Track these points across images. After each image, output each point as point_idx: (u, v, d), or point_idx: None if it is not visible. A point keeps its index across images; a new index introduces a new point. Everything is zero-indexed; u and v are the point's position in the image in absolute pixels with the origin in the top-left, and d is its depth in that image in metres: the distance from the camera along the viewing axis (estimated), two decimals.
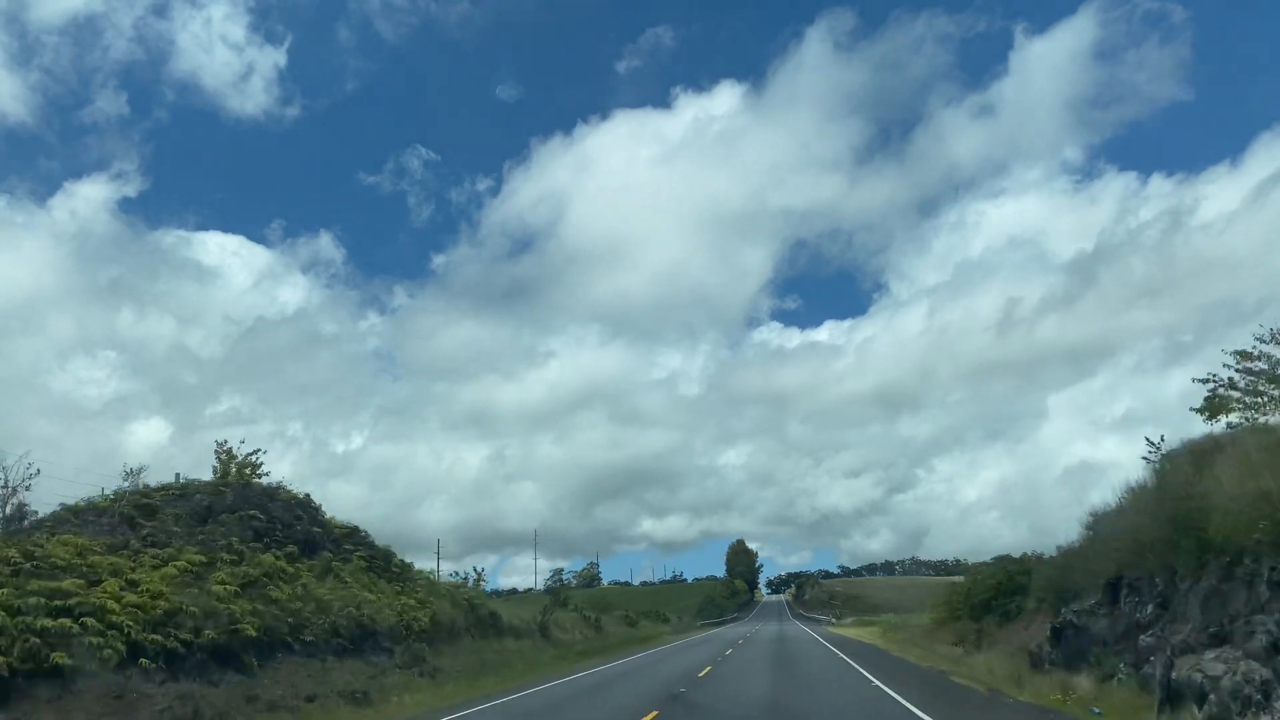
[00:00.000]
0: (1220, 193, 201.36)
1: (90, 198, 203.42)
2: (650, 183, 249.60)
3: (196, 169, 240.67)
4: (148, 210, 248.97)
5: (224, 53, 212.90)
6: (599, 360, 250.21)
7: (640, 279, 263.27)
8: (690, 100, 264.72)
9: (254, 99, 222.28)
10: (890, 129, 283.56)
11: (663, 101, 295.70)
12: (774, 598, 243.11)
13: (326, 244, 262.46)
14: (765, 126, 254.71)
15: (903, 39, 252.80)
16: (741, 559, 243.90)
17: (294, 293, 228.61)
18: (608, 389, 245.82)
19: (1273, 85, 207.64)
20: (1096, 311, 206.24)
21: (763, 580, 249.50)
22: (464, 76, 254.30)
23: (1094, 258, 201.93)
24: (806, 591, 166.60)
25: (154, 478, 26.80)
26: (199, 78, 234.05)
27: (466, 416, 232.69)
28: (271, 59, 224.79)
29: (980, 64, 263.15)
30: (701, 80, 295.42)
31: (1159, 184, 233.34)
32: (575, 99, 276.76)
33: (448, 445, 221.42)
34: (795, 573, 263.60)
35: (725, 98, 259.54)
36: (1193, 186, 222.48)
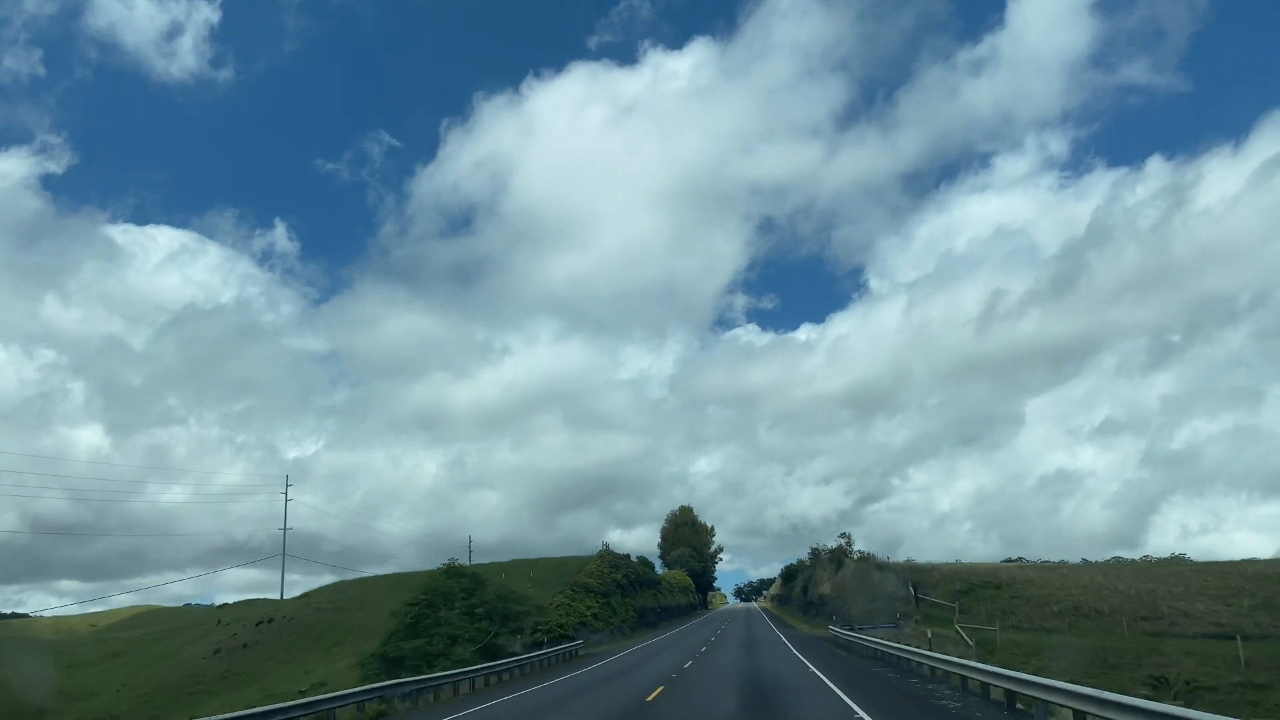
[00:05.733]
0: (1223, 176, 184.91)
1: (8, 174, 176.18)
2: (616, 156, 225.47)
3: (127, 142, 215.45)
4: (76, 189, 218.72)
5: (146, 6, 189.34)
6: (559, 359, 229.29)
7: (604, 268, 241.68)
8: (659, 59, 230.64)
9: (182, 61, 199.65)
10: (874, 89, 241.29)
11: (630, 58, 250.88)
12: (741, 606, 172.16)
13: (276, 226, 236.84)
14: (739, 89, 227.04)
15: None
16: (686, 535, 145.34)
17: (248, 288, 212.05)
18: (569, 390, 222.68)
19: None
20: (1083, 307, 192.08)
21: (730, 585, 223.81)
22: (410, 29, 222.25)
23: (1084, 243, 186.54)
24: (822, 582, 67.50)
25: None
26: (118, 33, 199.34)
27: (421, 420, 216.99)
28: (203, 15, 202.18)
29: (975, 14, 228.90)
30: (669, 35, 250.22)
31: (1157, 166, 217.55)
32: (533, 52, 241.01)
33: (406, 451, 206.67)
34: (771, 579, 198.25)
35: (694, 56, 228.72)
36: (1193, 167, 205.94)
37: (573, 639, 45.86)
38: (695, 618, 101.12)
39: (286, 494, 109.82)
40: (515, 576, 67.46)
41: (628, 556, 78.29)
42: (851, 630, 39.60)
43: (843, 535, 68.16)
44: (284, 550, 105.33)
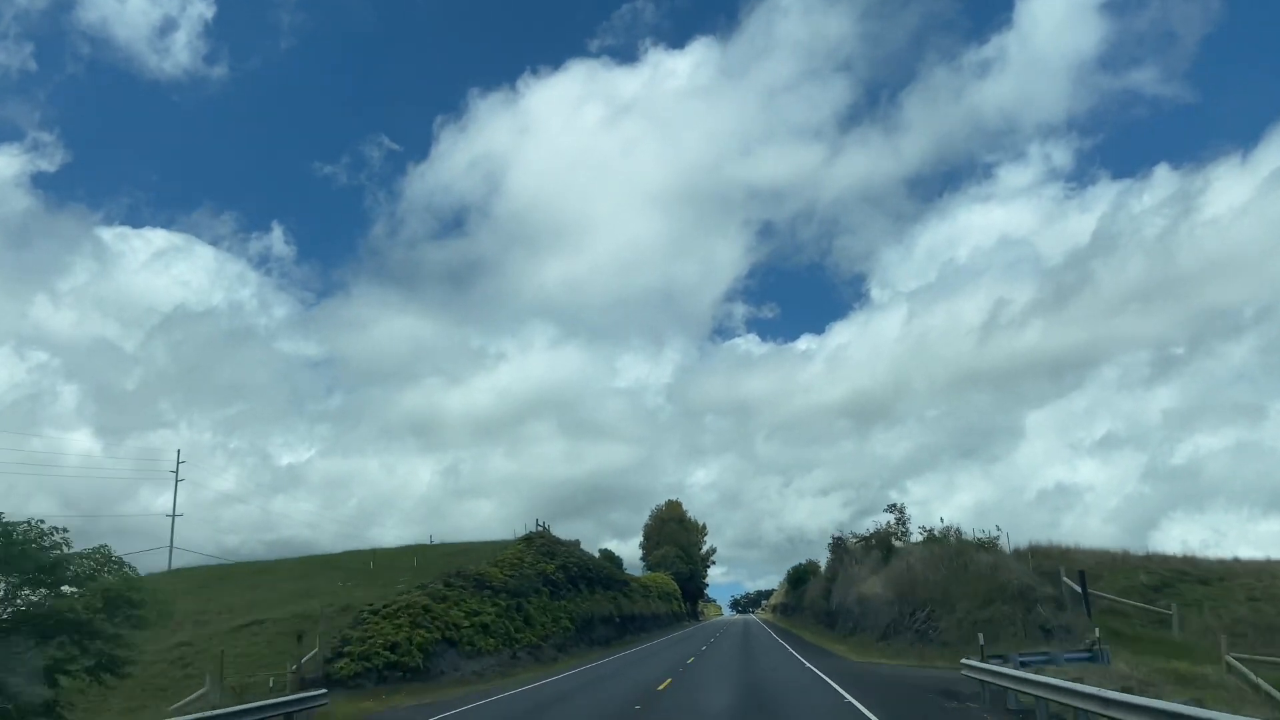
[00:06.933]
0: (1230, 185, 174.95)
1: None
2: (613, 156, 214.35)
3: (120, 141, 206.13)
4: (68, 188, 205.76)
5: (139, 1, 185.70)
6: (554, 366, 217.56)
7: (600, 273, 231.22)
8: (659, 58, 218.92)
9: (175, 57, 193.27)
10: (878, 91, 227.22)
11: (630, 56, 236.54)
12: (738, 618, 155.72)
13: (271, 229, 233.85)
14: (740, 89, 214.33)
15: None
16: (673, 533, 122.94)
17: (241, 292, 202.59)
18: (564, 397, 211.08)
19: None
20: (1085, 319, 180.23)
21: (726, 597, 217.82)
22: (406, 23, 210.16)
23: (1088, 253, 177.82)
24: (861, 579, 44.26)
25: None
26: (110, 28, 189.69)
27: (414, 427, 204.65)
28: (197, 10, 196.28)
29: (983, 13, 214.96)
30: (670, 34, 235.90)
31: (1163, 175, 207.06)
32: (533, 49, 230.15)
33: (400, 458, 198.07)
34: (769, 591, 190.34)
35: (695, 55, 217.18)
36: (1200, 175, 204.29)
37: (410, 668, 23.67)
38: (675, 631, 78.63)
39: (177, 473, 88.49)
40: (391, 569, 44.96)
41: (577, 543, 55.81)
42: (1018, 663, 17.29)
43: (891, 508, 45.31)
44: (171, 541, 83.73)
